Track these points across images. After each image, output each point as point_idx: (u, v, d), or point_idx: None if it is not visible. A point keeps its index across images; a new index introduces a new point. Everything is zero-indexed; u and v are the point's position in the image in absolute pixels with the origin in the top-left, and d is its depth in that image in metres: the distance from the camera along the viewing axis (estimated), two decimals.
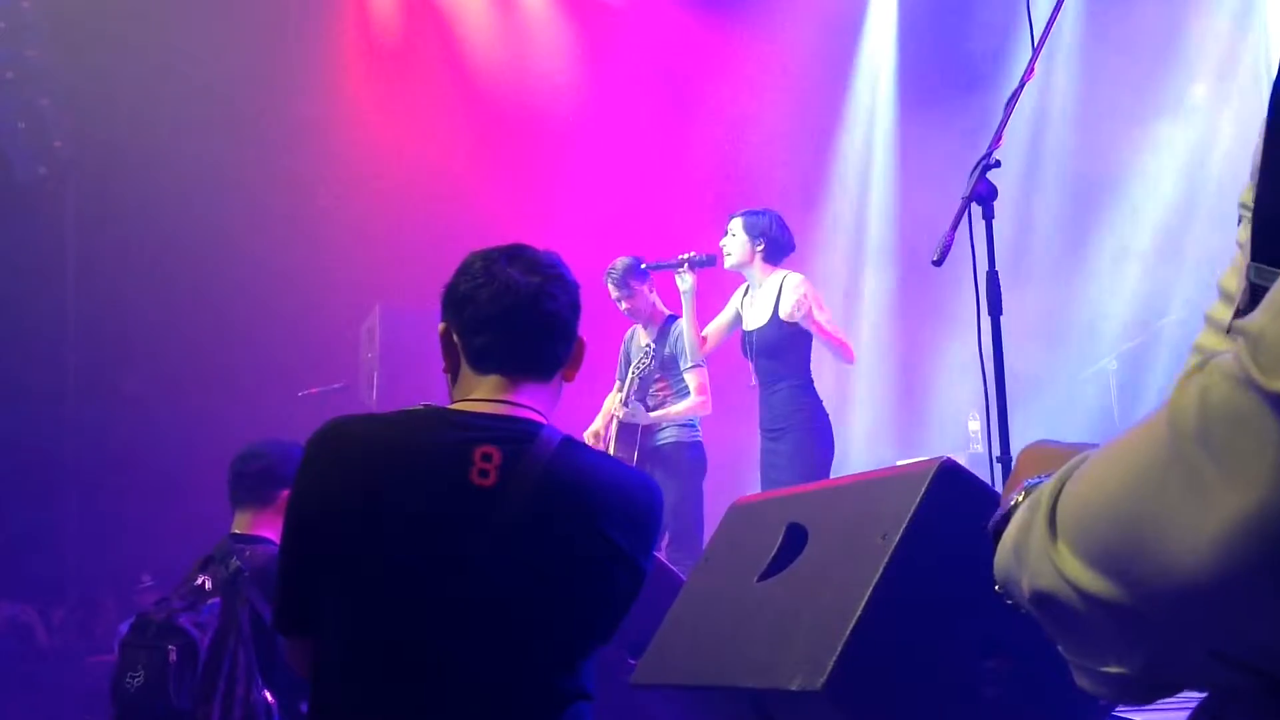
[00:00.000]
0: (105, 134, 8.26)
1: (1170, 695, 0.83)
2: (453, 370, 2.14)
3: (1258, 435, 0.68)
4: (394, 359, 7.42)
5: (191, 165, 8.07)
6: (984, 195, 3.44)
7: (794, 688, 2.32)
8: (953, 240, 3.37)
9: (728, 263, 5.65)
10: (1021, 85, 3.49)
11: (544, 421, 2.06)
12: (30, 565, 7.83)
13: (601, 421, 5.96)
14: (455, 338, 2.12)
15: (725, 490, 4.81)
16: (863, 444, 8.61)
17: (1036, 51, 3.50)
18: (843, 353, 5.52)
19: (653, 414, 5.79)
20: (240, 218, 8.16)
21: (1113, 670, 0.81)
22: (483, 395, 2.07)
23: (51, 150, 8.43)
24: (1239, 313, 0.94)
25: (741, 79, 9.00)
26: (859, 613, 2.33)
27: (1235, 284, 1.07)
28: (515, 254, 2.11)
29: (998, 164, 3.44)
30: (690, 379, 5.76)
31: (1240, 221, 1.08)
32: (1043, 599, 0.82)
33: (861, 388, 8.86)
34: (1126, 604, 0.75)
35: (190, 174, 8.07)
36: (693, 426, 5.86)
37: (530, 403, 2.08)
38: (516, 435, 2.00)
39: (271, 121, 8.58)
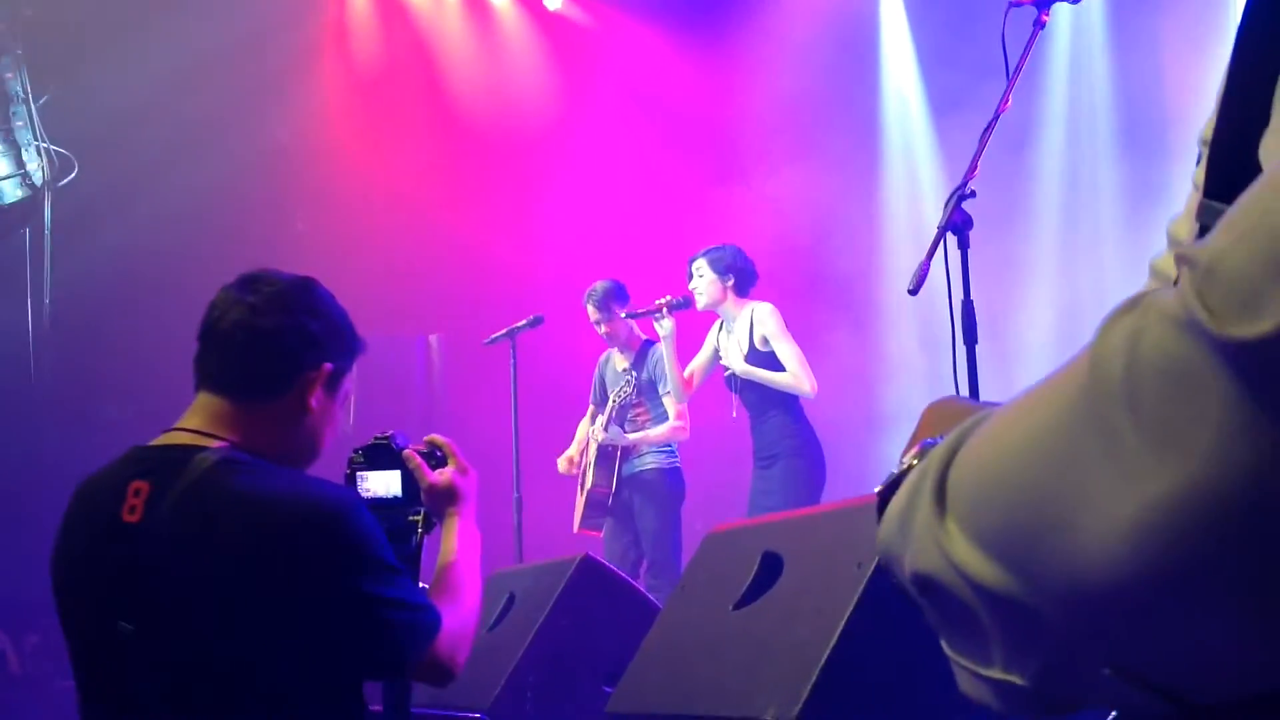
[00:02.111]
0: (79, 157, 8.23)
1: (1067, 714, 0.67)
2: None
3: (1200, 395, 0.53)
4: (369, 386, 7.39)
5: (167, 190, 8.05)
6: (959, 225, 3.47)
7: (768, 718, 2.31)
8: (928, 269, 3.39)
9: (701, 304, 5.61)
10: (996, 116, 3.51)
11: (212, 445, 1.91)
12: (2, 590, 7.75)
13: (577, 448, 5.95)
14: None
15: (708, 519, 4.81)
16: (849, 468, 8.56)
17: (1011, 83, 3.53)
18: (797, 386, 5.42)
19: (631, 436, 5.78)
20: (216, 243, 8.13)
21: (998, 676, 0.66)
22: (180, 424, 1.98)
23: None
24: None
25: (724, 100, 9.02)
26: (834, 642, 2.33)
27: (1188, 230, 0.98)
28: (250, 275, 2.06)
29: (973, 194, 3.47)
30: (669, 405, 5.77)
31: (1200, 160, 0.99)
32: (925, 583, 0.68)
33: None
34: (1021, 599, 0.60)
35: (165, 199, 8.05)
36: (672, 453, 5.85)
37: (222, 428, 1.95)
38: (169, 463, 1.88)
39: (248, 147, 8.56)
